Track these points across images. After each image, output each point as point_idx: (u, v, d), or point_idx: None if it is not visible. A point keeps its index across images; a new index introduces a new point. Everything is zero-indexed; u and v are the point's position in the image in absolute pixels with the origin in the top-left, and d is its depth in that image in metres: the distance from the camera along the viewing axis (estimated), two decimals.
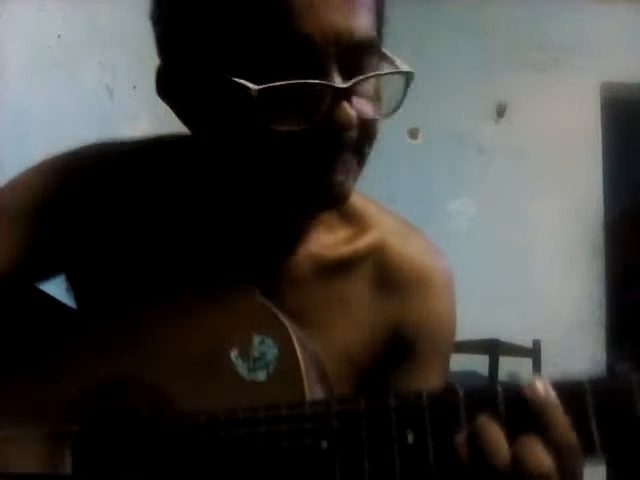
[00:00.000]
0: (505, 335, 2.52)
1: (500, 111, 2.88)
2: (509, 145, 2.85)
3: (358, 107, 0.65)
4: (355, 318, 0.79)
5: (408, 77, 0.70)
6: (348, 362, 0.78)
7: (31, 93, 1.82)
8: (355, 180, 0.70)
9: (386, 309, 0.80)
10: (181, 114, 0.72)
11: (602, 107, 2.88)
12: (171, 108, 0.73)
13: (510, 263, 2.76)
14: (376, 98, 0.68)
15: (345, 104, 0.63)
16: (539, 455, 0.52)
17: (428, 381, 0.79)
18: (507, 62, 2.84)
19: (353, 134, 0.65)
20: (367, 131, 0.68)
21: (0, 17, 1.74)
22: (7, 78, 1.78)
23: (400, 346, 0.80)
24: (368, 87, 0.67)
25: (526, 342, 2.60)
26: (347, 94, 0.64)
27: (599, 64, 2.84)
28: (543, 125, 2.83)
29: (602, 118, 2.88)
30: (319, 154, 0.65)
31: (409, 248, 0.82)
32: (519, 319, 2.57)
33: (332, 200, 0.69)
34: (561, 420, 0.52)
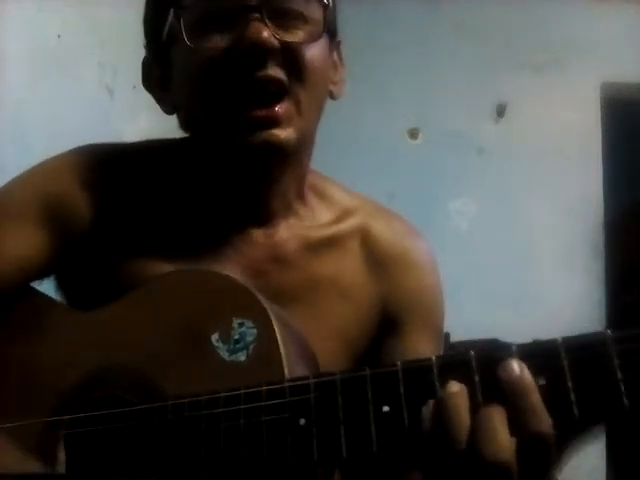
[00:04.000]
0: (505, 335, 2.52)
1: (500, 111, 2.88)
2: (509, 145, 2.85)
3: (278, 31, 0.69)
4: (345, 295, 0.81)
5: (325, 6, 0.74)
6: (341, 339, 0.79)
7: (31, 93, 1.82)
8: (299, 133, 0.72)
9: (373, 287, 0.82)
10: (156, 94, 0.80)
11: (602, 107, 2.88)
12: (152, 95, 0.80)
13: (510, 263, 2.76)
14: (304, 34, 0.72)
15: (256, 23, 0.67)
16: (500, 438, 0.50)
17: (417, 355, 0.79)
18: (507, 62, 2.84)
19: (274, 58, 0.69)
20: (294, 63, 0.71)
21: (0, 17, 1.74)
22: (7, 78, 1.78)
23: (388, 323, 0.82)
24: (294, 21, 0.72)
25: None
26: (259, 13, 0.68)
27: (599, 64, 2.83)
28: (543, 125, 2.83)
29: (602, 118, 2.87)
30: (240, 69, 0.69)
31: (391, 231, 0.85)
32: (519, 319, 2.57)
33: (271, 151, 0.71)
34: (535, 404, 0.51)
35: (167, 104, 0.80)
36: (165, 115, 0.83)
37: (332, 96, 0.80)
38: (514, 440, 0.50)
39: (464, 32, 2.85)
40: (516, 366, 0.52)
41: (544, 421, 0.50)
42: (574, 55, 2.84)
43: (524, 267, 2.78)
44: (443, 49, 2.84)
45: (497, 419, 0.51)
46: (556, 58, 2.85)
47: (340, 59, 0.82)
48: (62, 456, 0.65)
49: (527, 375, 0.52)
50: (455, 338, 2.59)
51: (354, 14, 2.84)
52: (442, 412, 0.51)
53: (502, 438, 0.50)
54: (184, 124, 0.81)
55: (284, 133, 0.71)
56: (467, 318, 2.60)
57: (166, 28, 0.74)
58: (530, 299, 2.72)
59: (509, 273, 2.75)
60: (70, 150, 0.83)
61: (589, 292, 2.80)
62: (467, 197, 2.84)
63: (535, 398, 0.51)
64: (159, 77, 0.79)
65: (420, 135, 2.85)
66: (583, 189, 2.83)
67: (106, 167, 0.81)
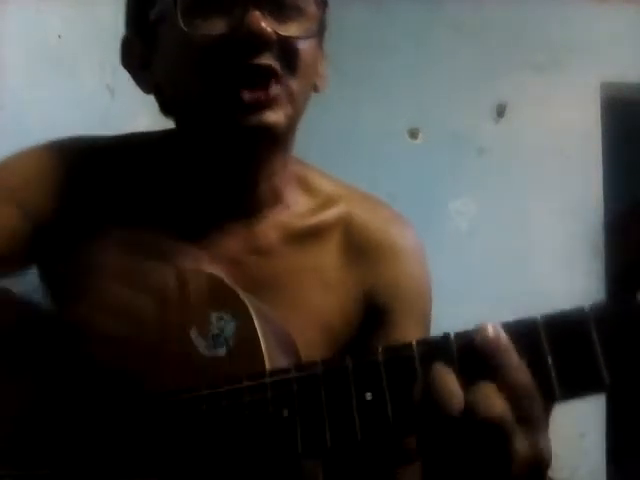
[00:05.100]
0: None
1: (500, 111, 2.88)
2: (509, 145, 2.85)
3: (275, 24, 0.69)
4: (327, 285, 0.80)
5: (323, 4, 0.74)
6: (324, 330, 0.79)
7: (31, 93, 1.82)
8: (288, 119, 0.72)
9: (357, 276, 0.81)
10: (136, 74, 0.79)
11: (602, 107, 2.88)
12: (131, 74, 0.80)
13: (510, 263, 2.76)
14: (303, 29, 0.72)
15: (255, 13, 0.67)
16: (491, 399, 0.50)
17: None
18: (507, 62, 2.84)
19: (270, 50, 0.69)
20: (288, 56, 0.71)
21: (0, 17, 1.74)
22: (7, 78, 1.78)
23: (374, 313, 0.81)
24: (290, 14, 0.71)
25: None
26: (258, 4, 0.68)
27: (599, 64, 2.83)
28: (543, 125, 2.83)
29: (602, 118, 2.87)
30: (235, 57, 0.69)
31: (376, 218, 0.84)
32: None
33: (261, 132, 0.70)
34: (513, 361, 0.52)
35: (146, 83, 0.79)
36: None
37: (316, 89, 0.80)
38: (505, 398, 0.51)
39: (464, 32, 2.85)
40: (491, 330, 0.53)
41: (524, 374, 0.51)
42: (574, 55, 2.84)
43: (524, 267, 2.77)
44: (443, 49, 2.84)
45: (485, 383, 0.51)
46: (556, 58, 2.85)
47: (323, 52, 0.82)
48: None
49: (503, 337, 0.52)
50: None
51: (354, 14, 2.84)
52: (432, 388, 0.52)
53: (493, 397, 0.51)
54: (165, 105, 0.80)
55: (275, 116, 0.71)
56: (467, 318, 2.58)
57: (156, 8, 0.74)
58: (530, 299, 2.71)
59: (509, 273, 2.75)
60: (46, 142, 0.83)
61: (589, 292, 2.80)
62: (467, 197, 2.84)
63: (514, 357, 0.52)
64: (140, 55, 0.79)
65: (420, 135, 2.85)
66: (583, 189, 2.83)
67: (82, 160, 0.81)
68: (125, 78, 0.81)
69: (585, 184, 2.83)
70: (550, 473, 0.55)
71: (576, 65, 2.84)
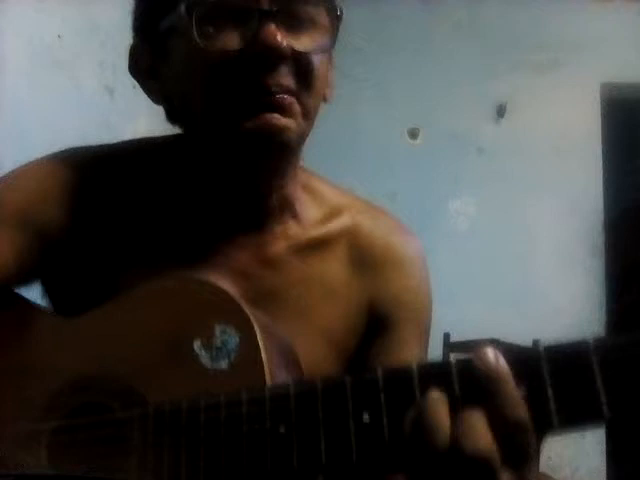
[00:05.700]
0: (505, 335, 2.52)
1: (500, 111, 2.88)
2: (509, 145, 2.85)
3: (289, 37, 0.68)
4: (332, 296, 0.80)
5: (337, 15, 0.72)
6: (328, 340, 0.79)
7: (31, 93, 1.82)
8: (302, 134, 0.71)
9: (361, 287, 0.81)
10: (145, 83, 0.78)
11: (602, 107, 2.88)
12: (138, 83, 0.79)
13: (510, 263, 2.76)
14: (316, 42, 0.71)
15: (271, 27, 0.67)
16: (478, 432, 0.49)
17: (408, 355, 0.79)
18: (507, 62, 2.84)
19: (285, 65, 0.68)
20: (303, 71, 0.70)
21: (0, 17, 1.74)
22: (7, 78, 1.78)
23: (376, 322, 0.81)
24: (304, 27, 0.71)
25: (526, 342, 2.59)
26: (273, 17, 0.67)
27: (599, 64, 2.84)
28: (543, 125, 2.83)
29: (602, 118, 2.88)
30: (250, 73, 0.68)
31: (380, 228, 0.84)
32: (519, 319, 2.57)
33: (270, 135, 0.69)
34: (510, 392, 0.50)
35: (156, 93, 0.78)
36: (164, 115, 0.82)
37: (325, 100, 0.79)
38: (492, 433, 0.50)
39: (464, 32, 2.85)
40: (491, 354, 0.52)
41: (520, 408, 0.50)
42: (574, 55, 2.84)
43: (524, 267, 2.78)
44: (443, 49, 2.84)
45: (475, 415, 0.50)
46: (556, 58, 2.85)
47: (333, 62, 0.81)
48: (44, 463, 0.65)
49: (502, 363, 0.52)
50: (455, 338, 2.59)
51: (354, 14, 2.84)
52: (421, 418, 0.51)
53: (480, 432, 0.49)
54: (173, 115, 0.79)
55: (284, 120, 0.70)
56: (467, 318, 2.59)
57: (168, 19, 0.73)
58: (530, 299, 2.72)
59: (509, 273, 2.75)
60: (51, 154, 0.82)
61: (589, 292, 2.80)
62: (467, 197, 2.84)
63: (511, 386, 0.51)
64: (148, 65, 0.78)
65: (420, 135, 2.86)
66: (583, 189, 2.83)
67: (87, 171, 0.80)
68: (124, 79, 0.81)
69: (585, 184, 2.83)
70: (550, 473, 0.54)
71: (576, 65, 2.84)
